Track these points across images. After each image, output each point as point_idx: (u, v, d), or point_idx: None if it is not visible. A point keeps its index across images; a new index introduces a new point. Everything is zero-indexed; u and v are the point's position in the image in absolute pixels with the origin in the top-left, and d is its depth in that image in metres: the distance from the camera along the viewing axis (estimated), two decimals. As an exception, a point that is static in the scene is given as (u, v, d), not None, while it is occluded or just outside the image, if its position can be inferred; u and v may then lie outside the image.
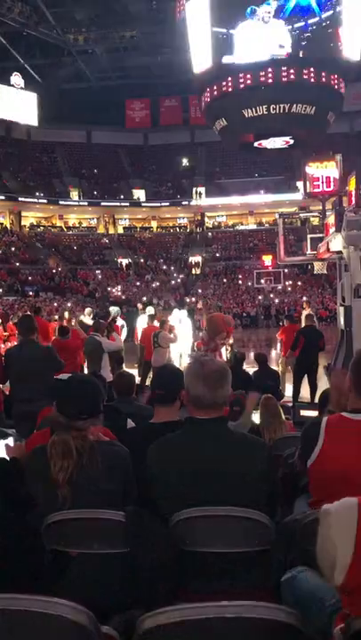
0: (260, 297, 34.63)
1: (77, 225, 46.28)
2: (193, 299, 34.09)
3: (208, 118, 20.52)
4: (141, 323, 11.66)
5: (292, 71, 17.56)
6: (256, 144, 20.04)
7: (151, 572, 1.92)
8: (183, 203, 45.18)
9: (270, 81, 17.61)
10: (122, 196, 45.74)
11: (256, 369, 8.47)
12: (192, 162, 47.43)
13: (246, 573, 2.03)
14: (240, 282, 37.83)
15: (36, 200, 42.43)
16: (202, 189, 44.40)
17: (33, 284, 35.49)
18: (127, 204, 45.82)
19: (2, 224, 42.04)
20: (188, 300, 32.97)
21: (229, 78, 18.16)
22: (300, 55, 17.98)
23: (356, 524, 1.35)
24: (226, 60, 18.04)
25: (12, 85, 40.70)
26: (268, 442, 3.98)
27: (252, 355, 11.65)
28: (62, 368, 4.93)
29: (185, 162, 47.53)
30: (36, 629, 1.30)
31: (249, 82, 17.83)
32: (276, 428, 4.43)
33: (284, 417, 4.81)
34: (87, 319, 10.71)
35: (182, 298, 34.09)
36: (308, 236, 15.11)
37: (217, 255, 42.46)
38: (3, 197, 40.75)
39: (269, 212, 42.77)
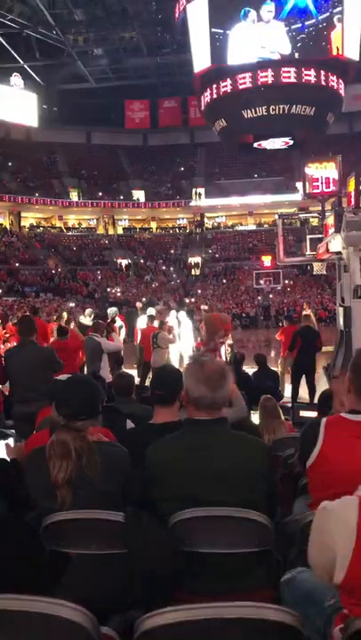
0: (259, 297, 34.64)
1: (77, 225, 46.30)
2: (192, 299, 34.10)
3: (208, 119, 20.56)
4: (141, 323, 11.66)
5: (291, 72, 17.60)
6: (256, 145, 20.07)
7: (150, 573, 1.92)
8: (183, 203, 45.19)
9: (270, 82, 17.65)
10: (121, 197, 45.75)
11: (255, 369, 8.48)
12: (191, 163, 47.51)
13: (246, 574, 2.03)
14: (240, 282, 37.85)
15: (35, 200, 42.43)
16: (201, 190, 44.42)
17: (32, 285, 35.50)
18: (127, 204, 45.84)
19: (1, 224, 42.04)
20: (187, 301, 32.97)
21: (229, 79, 18.20)
22: (297, 56, 18.00)
23: (356, 522, 1.35)
24: (230, 60, 18.10)
25: (12, 86, 40.70)
26: (268, 442, 3.98)
27: (251, 355, 11.64)
28: (62, 369, 4.93)
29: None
30: (36, 630, 1.30)
31: (249, 82, 17.87)
32: (276, 429, 4.44)
33: (283, 417, 4.82)
34: (86, 320, 10.71)
35: (182, 298, 34.08)
36: (308, 237, 15.14)
37: (216, 256, 42.47)
38: (2, 198, 40.73)
39: (269, 212, 42.81)
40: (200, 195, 44.39)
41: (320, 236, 13.50)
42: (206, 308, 18.45)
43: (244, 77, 17.94)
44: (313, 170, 14.81)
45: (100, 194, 45.69)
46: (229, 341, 10.35)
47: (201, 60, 18.76)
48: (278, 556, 2.24)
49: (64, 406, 2.22)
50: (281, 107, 17.66)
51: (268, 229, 41.31)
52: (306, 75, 17.68)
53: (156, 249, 44.06)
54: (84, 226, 46.53)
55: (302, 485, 2.56)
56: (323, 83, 17.92)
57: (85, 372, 7.57)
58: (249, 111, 17.88)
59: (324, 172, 14.62)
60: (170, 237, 46.10)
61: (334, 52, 17.76)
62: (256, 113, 17.83)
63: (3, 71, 39.97)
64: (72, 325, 9.45)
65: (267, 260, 26.87)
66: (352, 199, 9.41)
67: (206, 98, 19.31)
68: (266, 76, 17.73)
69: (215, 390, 2.12)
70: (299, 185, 26.57)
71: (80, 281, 38.25)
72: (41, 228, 44.38)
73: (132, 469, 2.25)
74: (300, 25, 17.64)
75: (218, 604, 1.30)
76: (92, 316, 10.90)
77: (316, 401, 6.03)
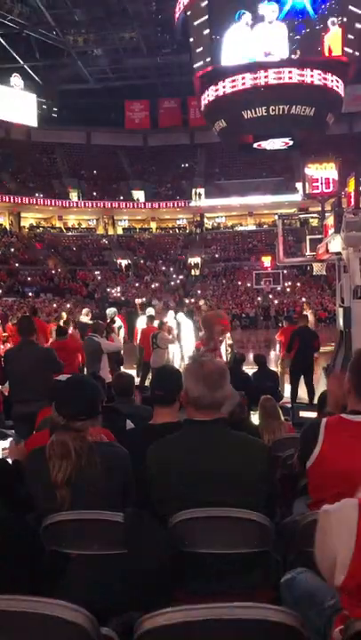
0: (259, 298, 34.63)
1: (77, 226, 46.29)
2: (192, 299, 34.08)
3: (208, 119, 20.59)
4: (141, 323, 11.67)
5: (291, 73, 17.61)
6: (255, 145, 20.09)
7: (150, 573, 1.91)
8: (182, 204, 45.20)
9: (270, 82, 17.66)
10: (121, 197, 45.74)
11: (255, 370, 8.49)
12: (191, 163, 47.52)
13: (246, 575, 2.03)
14: (239, 283, 37.84)
15: (35, 201, 42.42)
16: (201, 190, 44.40)
17: (32, 285, 35.50)
18: (126, 204, 45.85)
19: (1, 225, 42.03)
20: (187, 302, 32.95)
21: (229, 80, 18.22)
22: (295, 57, 18.03)
23: (356, 524, 1.35)
24: (224, 61, 18.14)
25: (12, 86, 40.72)
26: (268, 443, 3.98)
27: (251, 356, 11.65)
28: (62, 369, 4.93)
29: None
30: (36, 631, 1.30)
31: (249, 83, 17.89)
32: (276, 429, 4.44)
33: (283, 418, 4.82)
34: (86, 319, 10.72)
35: (181, 299, 34.06)
36: (308, 237, 15.13)
37: (216, 256, 42.46)
38: (2, 198, 40.72)
39: (269, 213, 42.80)
40: (200, 195, 44.38)
41: (320, 236, 13.49)
42: (202, 303, 18.42)
43: (243, 78, 17.96)
44: (313, 170, 14.81)
45: (100, 194, 45.68)
46: (229, 342, 10.35)
47: (201, 61, 18.78)
48: (278, 556, 2.24)
49: (64, 406, 2.21)
50: (281, 107, 17.69)
51: (268, 230, 41.31)
52: (304, 75, 17.70)
53: (156, 249, 44.05)
54: (83, 226, 46.52)
55: (302, 486, 2.56)
56: (322, 83, 17.95)
57: (85, 373, 7.57)
58: (249, 112, 17.91)
59: (323, 172, 14.62)
60: (170, 238, 46.09)
61: (326, 54, 17.82)
62: (256, 113, 17.86)
63: (3, 71, 40.00)
64: (70, 329, 9.45)
65: (267, 261, 26.93)
66: (352, 200, 9.40)
67: (206, 98, 19.33)
68: (266, 77, 17.75)
69: (215, 390, 2.12)
70: (299, 185, 26.56)
71: (80, 281, 38.25)
72: (41, 229, 44.37)
73: (132, 470, 2.25)
74: (297, 24, 17.68)
75: (218, 605, 1.30)
76: (90, 316, 10.91)
77: (315, 401, 6.04)
